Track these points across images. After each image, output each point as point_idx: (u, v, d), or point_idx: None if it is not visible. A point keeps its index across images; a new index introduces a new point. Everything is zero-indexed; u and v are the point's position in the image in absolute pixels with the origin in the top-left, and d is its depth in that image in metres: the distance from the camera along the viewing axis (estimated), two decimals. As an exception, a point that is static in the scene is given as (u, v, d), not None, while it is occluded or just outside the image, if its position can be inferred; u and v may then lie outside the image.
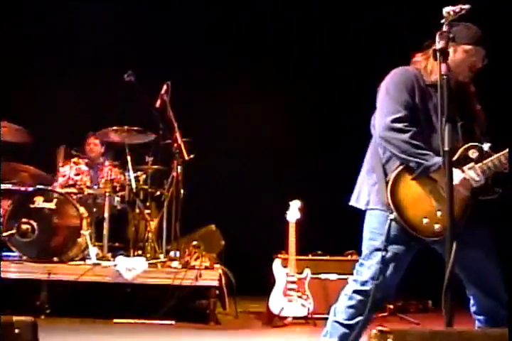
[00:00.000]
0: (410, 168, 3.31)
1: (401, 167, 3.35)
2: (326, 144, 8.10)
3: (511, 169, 3.31)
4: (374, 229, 3.45)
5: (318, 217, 6.75)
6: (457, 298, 2.82)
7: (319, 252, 6.72)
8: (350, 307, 3.50)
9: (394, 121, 3.33)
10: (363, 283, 3.46)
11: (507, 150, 3.33)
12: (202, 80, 7.98)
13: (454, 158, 3.27)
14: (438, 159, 3.21)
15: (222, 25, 8.08)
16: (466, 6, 3.03)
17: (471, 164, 3.34)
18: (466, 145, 3.37)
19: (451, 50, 3.31)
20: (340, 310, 3.55)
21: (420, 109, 3.41)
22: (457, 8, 3.04)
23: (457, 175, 3.27)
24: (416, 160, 3.28)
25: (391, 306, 6.42)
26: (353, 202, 3.60)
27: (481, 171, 3.32)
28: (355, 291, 3.49)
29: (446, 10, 3.06)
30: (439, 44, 2.97)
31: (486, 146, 3.39)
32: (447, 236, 2.89)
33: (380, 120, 3.40)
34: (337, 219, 7.46)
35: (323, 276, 6.41)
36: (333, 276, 6.42)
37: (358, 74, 7.65)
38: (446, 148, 2.90)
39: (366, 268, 3.46)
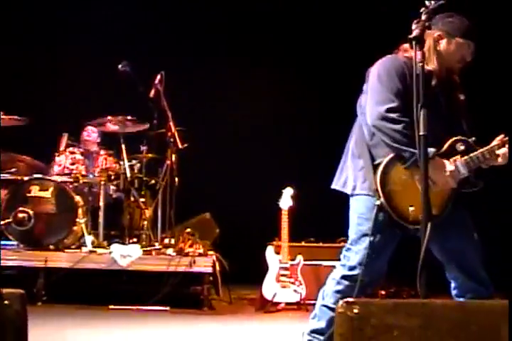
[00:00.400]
0: (402, 157, 3.35)
1: (392, 154, 3.38)
2: (317, 132, 8.16)
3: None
4: (361, 214, 3.49)
5: (311, 204, 6.81)
6: (433, 282, 2.90)
7: (312, 239, 6.81)
8: (338, 291, 3.56)
9: (387, 111, 3.35)
10: (351, 268, 3.52)
11: (491, 145, 3.43)
12: (196, 69, 8.02)
13: (442, 150, 3.39)
14: (430, 150, 3.22)
15: (216, 14, 8.12)
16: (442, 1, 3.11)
17: (457, 156, 3.43)
18: (454, 139, 3.46)
19: (444, 41, 3.43)
20: (329, 294, 3.62)
21: (410, 97, 3.46)
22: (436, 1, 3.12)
23: (448, 167, 3.36)
24: (409, 149, 3.29)
25: (383, 292, 6.53)
26: (338, 187, 3.61)
27: (465, 163, 3.41)
28: (344, 276, 3.55)
29: (427, 3, 3.14)
30: (414, 32, 3.03)
31: (471, 140, 3.49)
32: (422, 218, 2.96)
33: (373, 108, 3.42)
34: (329, 207, 7.55)
35: (315, 263, 6.50)
36: (326, 263, 6.52)
37: (352, 63, 7.70)
38: (422, 133, 2.95)
39: (354, 253, 3.51)
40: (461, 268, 3.48)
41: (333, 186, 3.65)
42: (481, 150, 3.40)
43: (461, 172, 3.39)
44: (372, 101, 3.44)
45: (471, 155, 3.42)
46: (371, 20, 7.68)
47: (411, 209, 3.37)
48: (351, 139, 3.62)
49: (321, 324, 3.62)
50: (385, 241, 3.49)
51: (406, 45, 3.58)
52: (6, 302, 2.16)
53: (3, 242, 6.10)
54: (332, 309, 3.56)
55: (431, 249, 3.41)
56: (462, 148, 3.43)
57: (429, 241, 2.90)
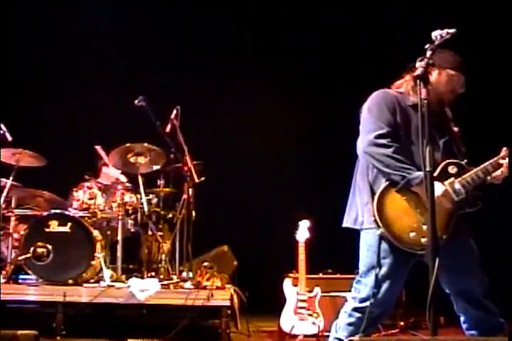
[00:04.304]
0: (394, 183, 3.47)
1: (386, 183, 3.50)
2: (334, 164, 8.18)
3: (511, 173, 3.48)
4: (369, 246, 3.58)
5: (327, 236, 6.83)
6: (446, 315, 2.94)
7: (329, 271, 6.82)
8: (350, 324, 3.63)
9: (377, 137, 3.50)
10: (362, 301, 3.59)
11: (483, 166, 3.49)
12: (211, 104, 8.14)
13: (435, 174, 3.45)
14: (420, 173, 3.36)
15: (230, 50, 8.27)
16: (452, 30, 3.19)
17: (451, 179, 3.49)
18: (446, 162, 3.55)
19: (436, 72, 3.54)
20: (341, 327, 3.68)
21: (401, 128, 3.58)
22: (444, 32, 3.20)
23: (439, 187, 3.44)
24: (399, 173, 3.43)
25: (402, 323, 6.50)
26: (349, 224, 3.73)
27: (461, 185, 3.47)
28: (355, 309, 3.62)
29: (435, 34, 3.23)
30: (418, 70, 3.12)
31: (463, 162, 3.55)
32: (430, 250, 3.02)
33: (364, 137, 3.56)
34: (345, 238, 7.55)
35: (333, 294, 6.49)
36: (344, 294, 6.50)
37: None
38: (428, 169, 3.04)
39: (364, 286, 3.60)
40: (468, 300, 3.54)
41: (345, 224, 3.78)
42: (475, 170, 3.51)
43: (457, 193, 3.44)
44: (364, 131, 3.59)
45: (465, 176, 3.50)
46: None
47: (412, 234, 3.46)
48: (355, 178, 3.73)
49: (335, 357, 3.67)
50: (393, 272, 3.55)
51: (399, 82, 3.71)
52: None
53: (22, 277, 6.19)
54: (345, 342, 3.62)
55: (438, 280, 3.46)
56: (455, 170, 3.55)
57: (437, 278, 2.96)
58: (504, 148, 3.54)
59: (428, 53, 3.17)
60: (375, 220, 3.49)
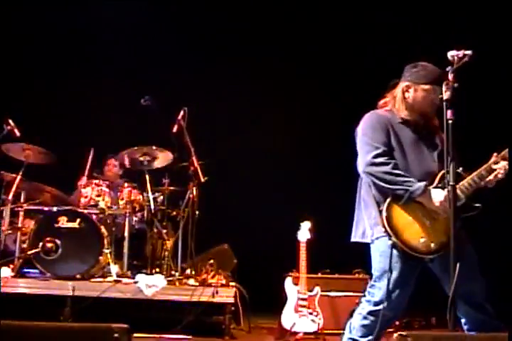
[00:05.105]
0: (398, 196, 3.70)
1: (390, 197, 3.73)
2: (335, 166, 8.38)
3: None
4: (382, 252, 3.79)
5: (328, 236, 7.01)
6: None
7: (327, 270, 7.03)
8: (364, 326, 3.85)
9: (374, 156, 3.75)
10: (376, 304, 3.80)
11: (477, 171, 3.73)
12: (217, 106, 8.29)
13: (435, 184, 3.73)
14: (420, 184, 3.65)
15: (237, 52, 8.41)
16: (469, 52, 3.42)
17: None
18: (443, 172, 3.76)
19: (412, 89, 3.79)
20: (356, 327, 3.89)
21: (395, 146, 3.83)
22: (461, 53, 3.42)
23: (440, 193, 3.68)
24: (401, 187, 3.67)
25: (397, 322, 6.71)
26: (358, 239, 3.96)
27: (461, 191, 3.69)
28: (370, 312, 3.83)
29: (451, 54, 3.46)
30: (445, 94, 3.37)
31: (459, 170, 3.77)
32: (451, 255, 3.26)
33: (362, 158, 3.80)
34: (345, 239, 7.75)
35: (332, 294, 6.71)
36: (342, 294, 6.74)
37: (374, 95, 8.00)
38: (452, 183, 3.34)
39: (378, 289, 3.80)
40: (470, 302, 3.73)
41: (353, 239, 3.99)
42: (470, 176, 3.72)
43: (459, 198, 3.65)
44: (361, 153, 3.83)
45: (463, 182, 3.73)
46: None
47: (422, 240, 3.69)
48: (359, 193, 3.98)
49: (349, 355, 3.88)
50: (405, 276, 3.77)
51: (382, 102, 3.99)
52: (115, 335, 2.38)
53: (31, 271, 6.33)
54: (358, 342, 3.84)
55: (441, 283, 3.72)
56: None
57: (457, 281, 3.18)
58: (495, 154, 3.75)
59: (450, 76, 3.40)
60: (386, 231, 3.72)
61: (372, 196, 3.83)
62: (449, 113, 3.36)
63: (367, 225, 3.86)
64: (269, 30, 8.30)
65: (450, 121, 3.36)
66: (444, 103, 3.38)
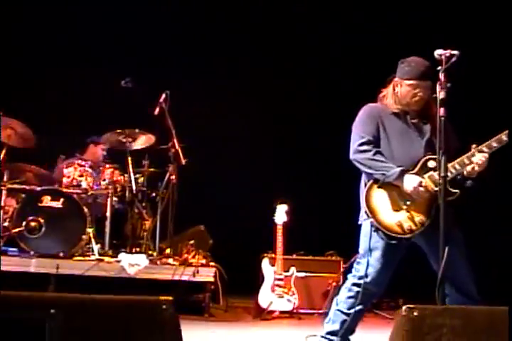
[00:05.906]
0: (377, 180, 4.04)
1: (371, 180, 4.07)
2: (312, 150, 8.62)
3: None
4: (366, 233, 4.14)
5: (303, 219, 7.21)
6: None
7: (301, 252, 7.27)
8: (350, 297, 4.18)
9: (360, 145, 4.11)
10: (360, 278, 4.14)
11: (460, 158, 3.95)
12: (198, 89, 8.40)
13: (416, 169, 4.02)
14: (397, 169, 3.97)
15: (220, 34, 8.47)
16: (456, 52, 3.67)
17: (431, 172, 3.98)
18: (426, 158, 4.05)
19: (399, 84, 4.12)
20: (342, 300, 4.22)
21: (382, 135, 4.13)
22: (447, 52, 3.67)
23: (413, 179, 3.97)
24: (379, 172, 4.01)
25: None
26: (360, 222, 4.24)
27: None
28: (354, 284, 4.18)
29: (438, 52, 3.71)
30: (440, 94, 3.65)
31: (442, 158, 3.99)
32: (441, 240, 3.54)
33: (351, 147, 4.16)
34: (320, 223, 8.04)
35: (306, 274, 6.97)
36: (315, 274, 7.01)
37: (349, 77, 8.29)
38: (442, 174, 3.62)
39: (362, 266, 4.14)
40: (452, 282, 3.93)
41: (359, 222, 4.24)
42: (451, 164, 3.91)
43: (436, 184, 3.88)
44: (351, 142, 4.18)
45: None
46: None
47: (397, 221, 4.00)
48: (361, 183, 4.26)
49: (335, 326, 4.21)
50: (387, 255, 4.08)
51: (381, 95, 4.28)
52: (163, 306, 2.59)
53: (14, 249, 6.42)
54: (344, 313, 4.18)
55: (428, 258, 4.01)
56: (434, 164, 4.00)
57: (445, 264, 3.45)
58: (474, 145, 3.98)
59: (441, 76, 3.64)
60: (365, 211, 4.06)
61: (363, 181, 4.17)
62: (441, 111, 3.63)
63: (362, 208, 4.15)
64: (249, 16, 8.43)
65: (442, 119, 3.62)
66: (438, 102, 3.64)
